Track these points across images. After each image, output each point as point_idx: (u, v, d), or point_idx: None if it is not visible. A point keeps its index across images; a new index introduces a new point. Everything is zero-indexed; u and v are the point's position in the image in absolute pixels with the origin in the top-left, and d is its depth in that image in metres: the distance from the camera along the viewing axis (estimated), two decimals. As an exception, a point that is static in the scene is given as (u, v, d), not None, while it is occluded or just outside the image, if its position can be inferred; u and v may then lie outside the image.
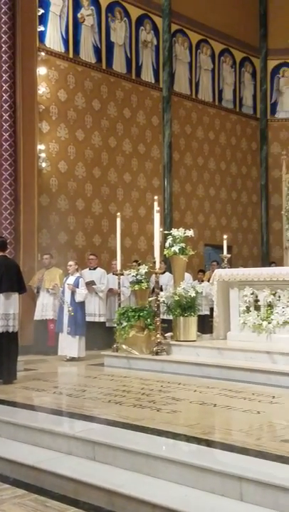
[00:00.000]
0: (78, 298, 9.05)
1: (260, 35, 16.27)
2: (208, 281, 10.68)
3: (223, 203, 15.37)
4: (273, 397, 5.67)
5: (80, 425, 4.76)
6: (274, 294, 7.78)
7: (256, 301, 7.96)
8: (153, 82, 13.68)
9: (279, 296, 7.74)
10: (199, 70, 14.90)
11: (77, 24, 12.07)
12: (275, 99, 16.46)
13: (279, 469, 3.53)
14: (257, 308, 7.92)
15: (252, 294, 7.98)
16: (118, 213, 9.12)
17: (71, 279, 9.17)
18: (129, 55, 13.15)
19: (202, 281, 11.84)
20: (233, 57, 15.77)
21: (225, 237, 9.67)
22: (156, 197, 8.49)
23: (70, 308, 8.83)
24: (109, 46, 12.73)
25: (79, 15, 12.13)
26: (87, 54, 12.30)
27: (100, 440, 4.31)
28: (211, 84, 15.16)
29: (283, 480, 3.32)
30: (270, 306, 7.78)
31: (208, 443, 4.14)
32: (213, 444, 4.13)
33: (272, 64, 16.37)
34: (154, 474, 3.87)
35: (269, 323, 7.70)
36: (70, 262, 9.49)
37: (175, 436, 4.34)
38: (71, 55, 11.97)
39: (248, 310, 7.98)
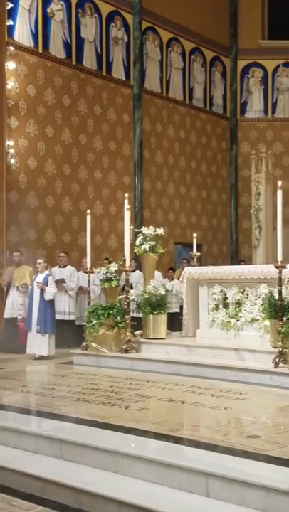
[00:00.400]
0: (47, 296, 8.97)
1: (231, 34, 16.40)
2: (178, 279, 10.73)
3: (193, 201, 15.46)
4: (240, 393, 5.73)
5: (48, 424, 4.73)
6: (242, 292, 7.86)
7: (225, 298, 8.04)
8: (124, 79, 13.65)
9: (247, 294, 7.83)
10: (170, 68, 14.94)
11: (46, 19, 11.96)
12: (244, 99, 16.62)
13: (245, 465, 3.57)
14: (226, 306, 8.00)
15: (221, 291, 8.06)
16: (88, 211, 9.08)
17: (40, 277, 9.09)
18: (99, 51, 13.09)
19: (172, 279, 11.88)
20: (203, 56, 15.86)
21: (194, 235, 9.74)
22: (126, 194, 8.48)
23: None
24: (80, 42, 12.66)
25: (48, 9, 12.02)
26: (57, 49, 12.20)
27: (68, 438, 4.30)
28: (181, 83, 15.22)
29: (249, 475, 3.37)
30: (239, 303, 7.87)
31: (176, 440, 4.17)
32: (181, 441, 4.16)
33: (242, 64, 16.52)
34: (122, 472, 3.87)
35: (237, 320, 7.78)
36: (39, 260, 9.40)
37: (143, 433, 4.35)
38: (40, 50, 11.86)
39: (216, 308, 8.05)
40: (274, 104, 16.51)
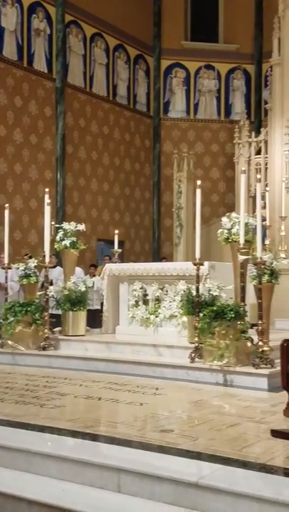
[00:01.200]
0: None
1: (154, 34, 16.56)
2: (100, 275, 10.69)
3: (116, 198, 15.47)
4: (157, 388, 5.79)
5: None
6: (162, 289, 7.96)
7: (145, 295, 8.10)
8: (46, 72, 13.41)
9: (166, 291, 7.93)
10: (94, 63, 14.85)
11: None
12: (167, 98, 16.84)
13: (157, 459, 3.61)
14: (145, 302, 8.07)
15: (141, 288, 8.11)
16: (6, 205, 8.83)
17: None
18: (20, 42, 12.77)
19: (94, 275, 11.84)
20: (127, 53, 15.90)
21: (116, 232, 9.74)
22: (47, 189, 8.34)
23: None
24: (0, 31, 12.28)
25: None
26: (-26, 38, 11.78)
27: (-22, 439, 4.14)
28: (105, 79, 15.18)
29: (160, 469, 3.40)
30: (158, 300, 7.96)
31: (90, 436, 4.14)
32: (95, 437, 4.13)
33: (165, 64, 16.73)
34: (33, 471, 3.79)
35: (156, 316, 7.87)
36: None
37: (57, 431, 4.28)
38: None
39: (136, 304, 8.10)
40: (196, 105, 16.86)
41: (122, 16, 15.19)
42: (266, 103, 14.66)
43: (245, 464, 3.47)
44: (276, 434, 2.28)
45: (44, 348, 7.59)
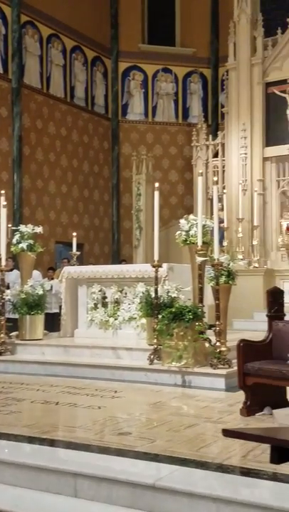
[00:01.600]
0: None
1: (112, 36, 16.53)
2: (58, 278, 10.58)
3: (75, 200, 15.36)
4: (115, 391, 5.77)
5: None
6: (121, 291, 7.95)
7: (104, 298, 8.08)
8: (1, 72, 13.20)
9: (126, 293, 7.93)
10: (50, 64, 14.71)
11: None
12: (126, 100, 16.84)
13: (115, 462, 3.58)
14: (104, 305, 8.04)
15: (100, 291, 8.08)
16: None
17: None
18: (-26, 41, 12.54)
19: (52, 278, 11.70)
20: (84, 55, 15.83)
21: (74, 234, 9.67)
22: (3, 191, 8.19)
23: None
24: None
25: None
26: None
27: None
28: (62, 80, 15.06)
29: (117, 473, 3.38)
30: (117, 302, 7.94)
31: (47, 442, 4.07)
32: (52, 443, 4.07)
33: (123, 66, 16.73)
34: (-12, 479, 3.70)
35: (115, 319, 7.85)
36: None
37: (13, 437, 4.19)
38: None
39: (95, 307, 8.06)
40: (154, 108, 16.93)
41: (79, 17, 15.11)
42: (223, 106, 14.84)
43: (202, 465, 3.48)
44: (228, 433, 2.29)
45: (0, 353, 7.45)
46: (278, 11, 15.05)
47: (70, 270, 8.44)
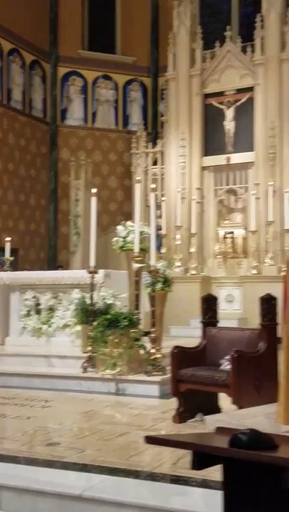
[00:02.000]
0: None
1: (50, 41, 16.33)
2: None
3: (10, 204, 14.98)
4: (46, 401, 5.60)
5: None
6: (56, 298, 7.78)
7: (38, 304, 7.87)
8: None
9: (61, 300, 7.76)
10: (-14, 66, 14.34)
11: None
12: (65, 106, 16.66)
13: (41, 474, 3.45)
14: (38, 312, 7.83)
15: (34, 297, 7.87)
16: None
17: None
18: None
19: (-15, 285, 11.32)
20: (22, 58, 15.54)
21: (7, 239, 9.42)
22: None
23: None
24: None
25: None
26: None
27: None
28: (-1, 83, 14.71)
29: (43, 484, 3.24)
30: (52, 309, 7.76)
31: (-29, 455, 3.87)
32: (-24, 456, 3.87)
33: (62, 71, 16.55)
34: None
35: (49, 326, 7.66)
36: None
37: None
38: None
39: (28, 314, 7.84)
40: (94, 114, 16.84)
41: (18, 20, 14.82)
42: (162, 115, 14.98)
43: (132, 473, 3.41)
44: (150, 440, 2.22)
45: None
46: (217, 25, 15.41)
47: (2, 276, 8.18)
